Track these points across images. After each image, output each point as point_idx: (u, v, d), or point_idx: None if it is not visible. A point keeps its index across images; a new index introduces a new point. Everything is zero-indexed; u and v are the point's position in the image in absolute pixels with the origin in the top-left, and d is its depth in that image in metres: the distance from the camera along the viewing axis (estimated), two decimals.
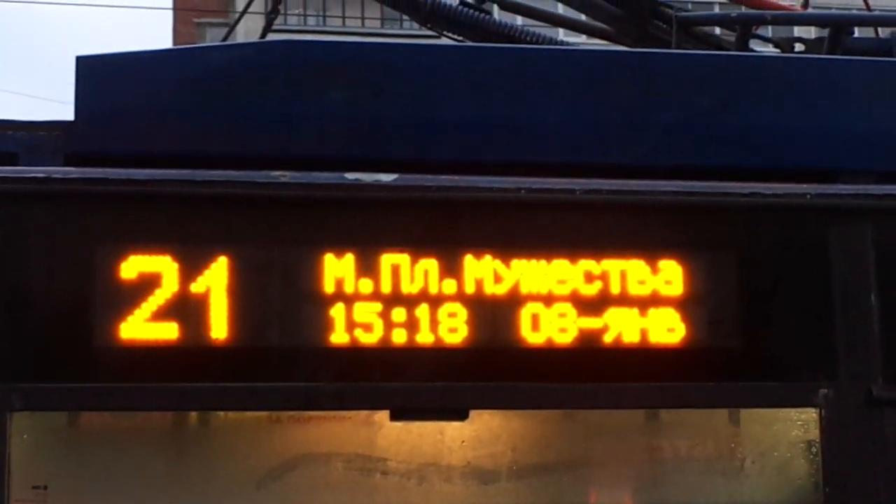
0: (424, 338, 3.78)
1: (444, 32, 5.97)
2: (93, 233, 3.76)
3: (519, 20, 7.11)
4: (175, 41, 57.90)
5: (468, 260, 3.82)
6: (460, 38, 5.87)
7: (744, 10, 5.71)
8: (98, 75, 4.15)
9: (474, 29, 5.79)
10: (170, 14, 59.75)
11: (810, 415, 3.95)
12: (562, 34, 7.70)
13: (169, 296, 3.69)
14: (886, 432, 3.92)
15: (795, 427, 4.01)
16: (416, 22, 5.96)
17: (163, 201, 3.82)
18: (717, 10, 6.20)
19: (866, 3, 6.73)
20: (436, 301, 3.80)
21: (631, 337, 3.87)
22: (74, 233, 3.77)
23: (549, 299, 3.84)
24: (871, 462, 3.91)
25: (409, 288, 3.79)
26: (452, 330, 3.79)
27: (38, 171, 3.86)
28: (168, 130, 4.07)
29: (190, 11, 57.99)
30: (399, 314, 3.78)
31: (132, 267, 3.69)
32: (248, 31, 7.68)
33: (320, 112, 4.13)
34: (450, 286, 3.80)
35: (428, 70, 4.29)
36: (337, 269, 3.78)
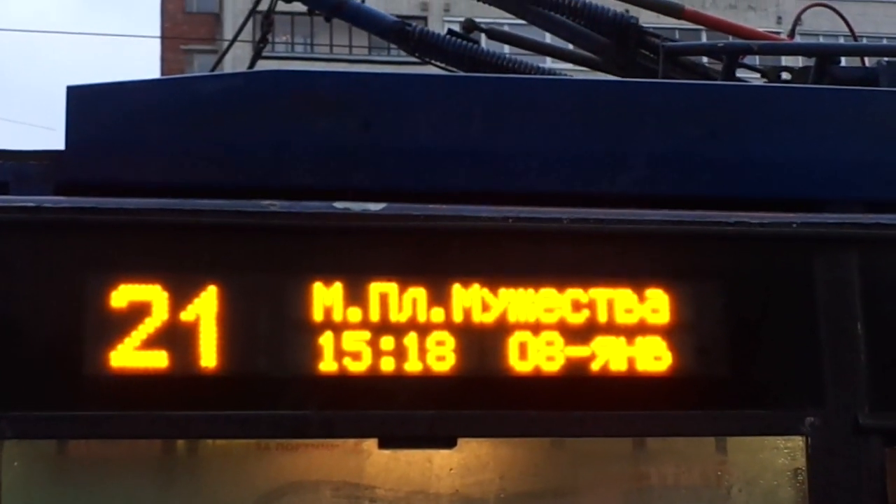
0: (413, 366, 3.79)
1: (432, 61, 5.98)
2: (83, 262, 3.77)
3: (506, 49, 7.14)
4: (163, 68, 58.03)
5: (456, 289, 3.84)
6: (448, 66, 5.89)
7: (731, 39, 5.74)
8: (88, 105, 4.17)
9: (462, 58, 5.82)
10: (158, 41, 59.87)
11: (797, 443, 3.95)
12: (549, 62, 7.74)
13: (159, 324, 3.70)
14: (872, 460, 3.93)
15: (782, 455, 4.02)
16: (404, 51, 5.97)
17: (153, 230, 3.83)
18: (704, 39, 6.19)
19: (852, 32, 6.75)
20: (424, 329, 3.81)
21: (618, 365, 3.88)
22: (65, 262, 3.78)
23: (536, 328, 3.86)
24: (857, 490, 3.91)
25: (397, 316, 3.81)
26: (440, 358, 3.80)
27: (29, 201, 3.87)
28: (158, 160, 4.08)
29: (178, 39, 58.08)
30: (387, 342, 3.79)
31: (122, 296, 3.70)
32: (236, 57, 7.70)
33: (310, 141, 4.15)
34: (438, 315, 3.82)
35: (416, 100, 4.31)
36: (325, 297, 3.79)
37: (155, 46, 62.88)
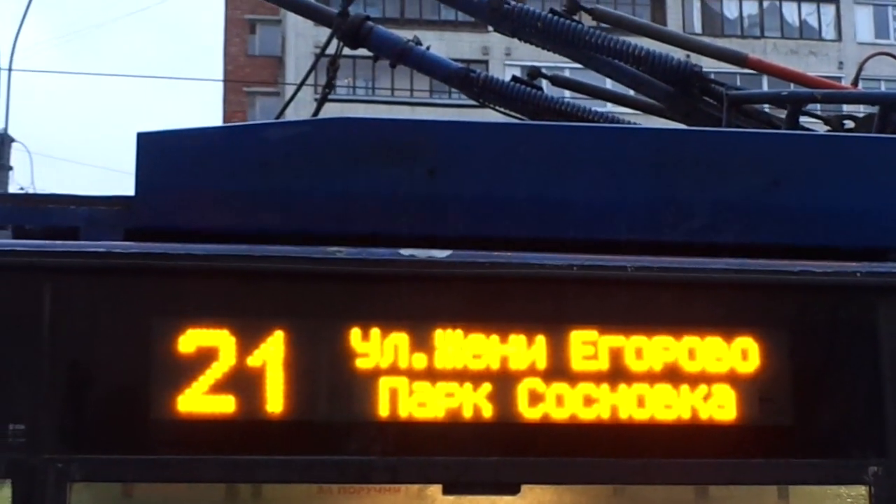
0: (477, 412, 3.80)
1: (496, 107, 6.00)
2: (152, 306, 3.80)
3: (566, 93, 7.16)
4: (226, 110, 58.27)
5: (520, 336, 3.85)
6: (511, 112, 5.91)
7: (793, 87, 5.73)
8: (158, 151, 4.22)
9: (525, 104, 5.83)
10: (220, 84, 60.20)
11: (860, 492, 3.93)
12: (609, 106, 7.73)
13: (226, 369, 3.73)
14: None
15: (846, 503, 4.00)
16: (468, 97, 5.99)
17: (221, 276, 3.87)
18: (765, 84, 6.15)
19: None
20: (488, 376, 3.83)
21: (682, 413, 3.88)
22: (134, 306, 3.81)
23: (599, 377, 3.87)
24: None
25: (461, 363, 3.82)
26: (505, 405, 3.81)
27: (99, 246, 3.91)
28: (227, 206, 4.12)
29: (241, 82, 58.35)
30: (452, 389, 3.81)
31: (190, 340, 3.74)
32: (298, 100, 7.72)
33: (376, 188, 4.18)
34: (502, 362, 3.83)
35: (482, 148, 4.33)
36: (391, 343, 3.81)
37: (218, 88, 63.27)
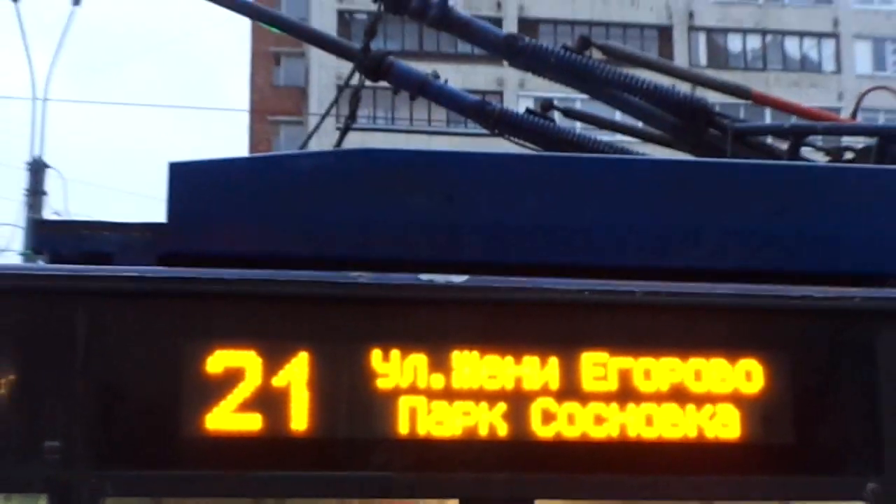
0: (492, 431, 3.81)
1: (509, 137, 6.01)
2: (182, 329, 3.82)
3: (578, 125, 7.16)
4: (252, 139, 58.47)
5: (533, 358, 3.86)
6: (525, 142, 5.92)
7: (795, 120, 5.74)
8: (189, 181, 4.24)
9: (538, 135, 5.84)
10: (246, 113, 60.45)
11: None
12: (619, 137, 7.74)
13: (253, 389, 3.74)
14: None
15: None
16: (483, 128, 6.01)
17: (248, 299, 3.89)
18: (768, 116, 6.17)
19: None
20: (503, 397, 3.84)
21: (688, 431, 3.88)
22: (164, 328, 3.83)
23: (609, 397, 3.88)
24: None
25: (477, 384, 3.83)
26: (519, 423, 3.82)
27: (132, 271, 3.94)
28: (254, 233, 4.15)
29: (266, 112, 58.55)
30: (468, 408, 3.82)
31: (218, 361, 3.75)
32: (320, 128, 7.78)
33: (396, 216, 4.20)
34: (516, 382, 3.84)
35: (498, 177, 4.36)
36: (409, 364, 3.82)
37: (244, 118, 63.57)
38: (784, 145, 5.60)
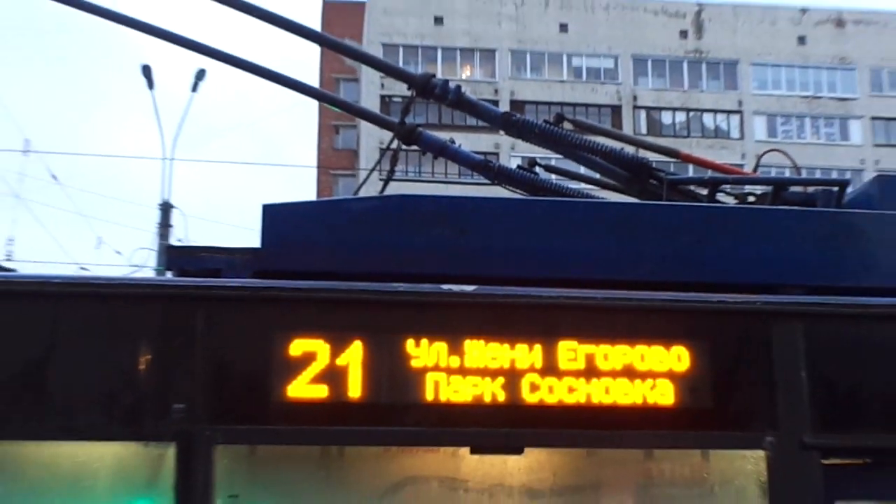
0: (494, 397, 3.81)
1: (505, 186, 6.00)
2: (270, 323, 3.82)
3: (553, 177, 7.14)
4: (318, 187, 58.55)
5: (523, 346, 3.86)
6: (516, 189, 5.91)
7: (710, 174, 5.72)
8: (276, 217, 4.24)
9: (526, 184, 5.84)
10: (314, 169, 60.52)
11: (760, 455, 3.90)
12: (583, 185, 7.69)
13: (322, 367, 3.74)
14: (812, 468, 3.89)
15: (750, 463, 3.96)
16: (486, 179, 6.00)
17: (318, 303, 3.88)
18: (691, 172, 6.15)
19: (796, 167, 6.73)
20: (502, 373, 3.83)
21: (635, 399, 3.87)
22: (258, 323, 3.83)
23: (578, 373, 3.86)
24: (802, 489, 3.88)
25: (483, 364, 3.83)
26: (513, 392, 3.82)
27: (235, 282, 3.96)
28: (322, 255, 4.15)
29: (328, 168, 58.65)
30: (477, 381, 3.81)
31: (297, 347, 3.75)
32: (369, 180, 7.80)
33: (424, 243, 4.20)
34: (512, 362, 3.84)
35: (498, 215, 4.36)
36: (433, 349, 3.82)
37: (312, 173, 63.81)
38: (704, 192, 5.58)
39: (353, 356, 3.77)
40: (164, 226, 27.80)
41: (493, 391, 3.82)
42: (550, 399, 3.84)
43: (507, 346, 3.85)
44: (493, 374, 3.83)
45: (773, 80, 61.57)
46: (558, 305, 3.96)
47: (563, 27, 60.64)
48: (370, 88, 54.37)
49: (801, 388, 3.95)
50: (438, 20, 59.98)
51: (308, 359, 3.75)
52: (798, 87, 61.60)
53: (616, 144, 5.90)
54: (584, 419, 3.86)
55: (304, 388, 3.73)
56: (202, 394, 3.72)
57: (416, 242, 4.20)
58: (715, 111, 60.71)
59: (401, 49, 57.79)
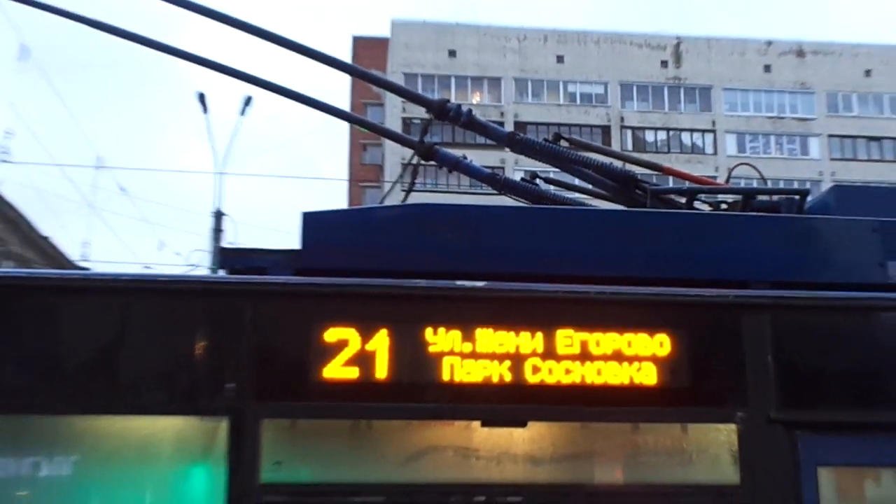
0: (502, 378, 3.81)
1: (510, 195, 6.00)
2: (309, 314, 3.83)
3: (552, 188, 7.12)
4: (350, 197, 58.54)
5: (526, 334, 3.86)
6: (520, 199, 5.91)
7: (687, 185, 5.71)
8: (314, 222, 4.25)
9: (528, 194, 5.84)
10: (345, 182, 60.49)
11: (731, 428, 3.90)
12: (577, 194, 7.65)
13: (353, 352, 3.75)
14: (778, 439, 3.89)
15: (723, 435, 3.96)
16: (494, 189, 5.99)
17: (350, 296, 3.89)
18: (671, 183, 6.12)
19: (763, 179, 6.70)
20: (508, 357, 3.83)
21: (622, 378, 3.87)
22: (299, 313, 3.85)
23: (574, 357, 3.86)
24: (769, 458, 3.87)
25: (492, 349, 3.83)
26: (518, 374, 3.82)
27: (279, 279, 3.97)
28: (354, 255, 4.15)
29: (357, 181, 58.64)
30: (486, 364, 3.82)
31: (332, 335, 3.76)
32: (392, 192, 7.80)
33: (443, 243, 4.21)
34: (517, 347, 3.84)
35: (506, 221, 4.37)
36: (449, 337, 3.82)
37: (343, 185, 63.87)
38: (683, 200, 5.57)
39: (381, 342, 3.78)
40: (217, 230, 27.93)
41: (500, 373, 3.83)
42: (550, 379, 3.84)
43: (512, 333, 3.86)
44: (501, 357, 3.84)
45: (742, 103, 61.46)
46: (557, 299, 3.96)
47: (560, 58, 60.73)
48: (393, 112, 54.35)
49: (767, 370, 3.95)
50: (452, 53, 60.11)
51: (341, 344, 3.76)
52: (764, 108, 61.48)
53: (606, 159, 5.89)
54: (579, 397, 3.86)
55: (338, 369, 3.74)
56: (250, 375, 3.73)
57: (435, 244, 4.20)
58: (692, 130, 60.56)
59: (419, 78, 57.80)
